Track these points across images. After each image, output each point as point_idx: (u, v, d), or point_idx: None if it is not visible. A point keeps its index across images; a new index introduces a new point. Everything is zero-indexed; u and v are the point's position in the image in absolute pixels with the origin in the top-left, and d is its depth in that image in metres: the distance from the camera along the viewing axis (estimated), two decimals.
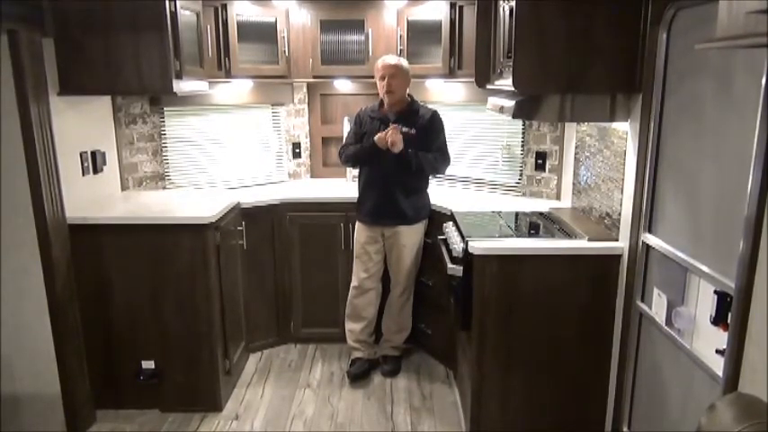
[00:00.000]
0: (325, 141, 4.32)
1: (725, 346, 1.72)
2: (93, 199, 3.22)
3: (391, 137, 3.15)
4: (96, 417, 3.08)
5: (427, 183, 3.47)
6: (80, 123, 3.14)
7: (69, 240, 2.88)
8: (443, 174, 3.37)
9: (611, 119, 2.61)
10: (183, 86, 3.06)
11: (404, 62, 3.32)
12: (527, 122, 3.62)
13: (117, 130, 3.50)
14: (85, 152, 3.16)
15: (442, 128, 3.36)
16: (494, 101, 2.96)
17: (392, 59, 3.29)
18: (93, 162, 3.23)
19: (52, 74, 2.84)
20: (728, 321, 1.73)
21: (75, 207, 2.97)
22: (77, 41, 2.86)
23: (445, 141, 3.36)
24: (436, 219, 3.43)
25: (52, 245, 2.75)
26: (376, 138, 3.22)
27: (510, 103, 2.64)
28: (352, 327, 3.57)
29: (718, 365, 1.78)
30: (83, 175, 3.15)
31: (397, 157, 3.21)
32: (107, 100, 3.42)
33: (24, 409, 2.95)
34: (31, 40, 2.62)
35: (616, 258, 2.64)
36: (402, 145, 3.17)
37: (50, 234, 2.74)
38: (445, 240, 3.10)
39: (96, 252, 2.98)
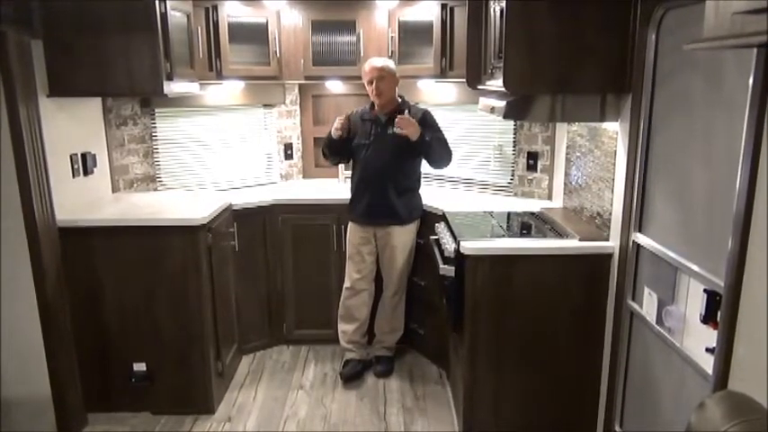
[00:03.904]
0: (317, 142, 4.31)
1: (714, 345, 1.74)
2: (84, 201, 3.21)
3: (402, 125, 3.12)
4: (88, 419, 3.06)
5: (419, 183, 3.48)
6: (70, 125, 3.12)
7: (59, 243, 2.86)
8: (447, 166, 3.35)
9: (602, 119, 2.62)
10: (173, 88, 3.05)
11: (390, 63, 3.32)
12: (518, 123, 3.62)
13: (107, 132, 3.48)
14: (76, 154, 3.14)
15: (437, 124, 3.35)
16: (485, 101, 2.97)
17: (378, 62, 3.28)
18: (84, 164, 3.21)
19: (41, 75, 2.82)
20: (718, 320, 1.74)
21: (66, 209, 2.95)
22: (67, 43, 2.84)
23: (444, 135, 3.34)
24: (428, 219, 3.43)
25: (42, 248, 2.73)
26: (336, 126, 3.29)
27: (501, 104, 2.65)
28: (344, 328, 3.56)
29: (708, 363, 1.80)
30: (73, 177, 3.13)
31: (390, 156, 3.22)
32: (97, 101, 3.40)
33: (15, 412, 2.93)
34: (19, 42, 2.61)
35: (607, 258, 2.65)
36: (417, 130, 3.13)
37: (40, 237, 2.72)
38: (437, 241, 3.10)
39: (87, 254, 2.97)
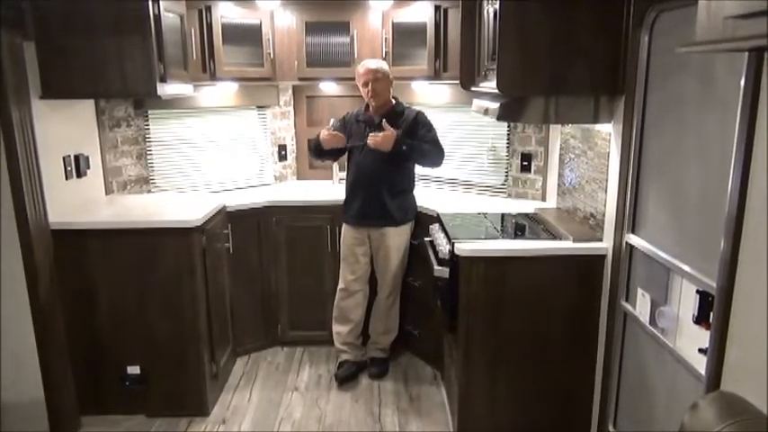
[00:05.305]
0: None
1: (707, 345, 1.75)
2: (77, 203, 3.19)
3: (374, 142, 3.15)
4: (81, 422, 3.05)
5: (413, 184, 3.48)
6: (63, 127, 3.10)
7: (53, 245, 2.84)
8: (440, 165, 3.34)
9: (595, 120, 2.64)
10: (167, 89, 3.03)
11: (384, 65, 3.33)
12: (512, 124, 3.63)
13: (101, 134, 3.47)
14: (69, 156, 3.13)
15: (429, 123, 3.35)
16: (479, 103, 2.97)
17: (372, 64, 3.29)
18: (77, 166, 3.19)
19: (34, 77, 2.80)
20: (710, 320, 1.75)
21: (59, 212, 2.94)
22: (59, 44, 2.82)
23: (436, 135, 3.34)
24: (422, 220, 3.43)
25: (35, 250, 2.72)
26: (322, 137, 3.32)
27: (494, 105, 2.65)
28: (339, 329, 3.56)
29: (700, 364, 1.81)
30: (66, 179, 3.11)
31: (384, 158, 3.21)
32: (90, 103, 3.38)
33: (8, 416, 2.91)
34: (11, 44, 2.59)
35: (600, 259, 2.66)
36: (389, 144, 3.14)
37: (33, 239, 2.71)
38: (432, 242, 3.11)
39: (81, 257, 2.95)
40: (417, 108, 3.46)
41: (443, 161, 3.33)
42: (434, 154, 3.28)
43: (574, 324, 2.74)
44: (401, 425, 3.10)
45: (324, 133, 3.33)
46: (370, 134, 3.19)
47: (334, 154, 3.50)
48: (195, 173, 3.97)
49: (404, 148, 3.17)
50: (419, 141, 3.24)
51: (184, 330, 3.05)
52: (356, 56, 3.69)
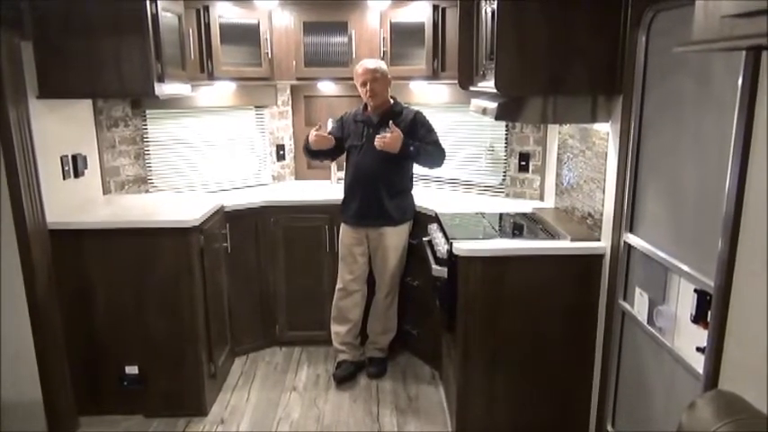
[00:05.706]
0: None
1: (705, 344, 1.75)
2: (75, 203, 3.19)
3: (382, 144, 3.13)
4: (79, 423, 3.05)
5: (412, 184, 3.48)
6: (60, 127, 3.10)
7: (50, 246, 2.84)
8: (441, 166, 3.34)
9: (593, 120, 2.64)
10: (165, 89, 3.03)
11: (382, 65, 3.33)
12: (510, 124, 3.63)
13: (98, 134, 3.47)
14: (66, 156, 3.12)
15: (429, 124, 3.34)
16: (477, 102, 2.97)
17: (371, 64, 3.29)
18: (75, 166, 3.19)
19: (31, 77, 2.79)
20: (708, 319, 1.75)
21: (57, 212, 2.93)
22: (57, 44, 2.82)
23: (436, 136, 3.33)
24: (421, 220, 3.43)
25: (33, 250, 2.71)
26: (310, 139, 3.32)
27: (493, 105, 2.66)
28: (337, 329, 3.56)
29: (698, 363, 1.81)
30: (64, 179, 3.10)
31: (383, 158, 3.21)
32: (88, 103, 3.38)
33: (6, 416, 2.91)
34: (9, 43, 2.59)
35: (598, 258, 2.66)
36: (397, 145, 3.13)
37: (31, 239, 2.70)
38: (430, 242, 3.11)
39: (78, 257, 2.95)
40: (416, 108, 3.46)
41: (444, 161, 3.33)
42: (437, 155, 3.29)
43: (572, 323, 2.74)
44: (399, 425, 3.10)
45: (312, 135, 3.33)
46: (378, 136, 3.17)
47: (329, 154, 3.49)
48: (193, 173, 3.97)
49: (411, 149, 3.17)
50: (421, 142, 3.24)
51: (182, 330, 3.05)
52: (354, 56, 3.69)
